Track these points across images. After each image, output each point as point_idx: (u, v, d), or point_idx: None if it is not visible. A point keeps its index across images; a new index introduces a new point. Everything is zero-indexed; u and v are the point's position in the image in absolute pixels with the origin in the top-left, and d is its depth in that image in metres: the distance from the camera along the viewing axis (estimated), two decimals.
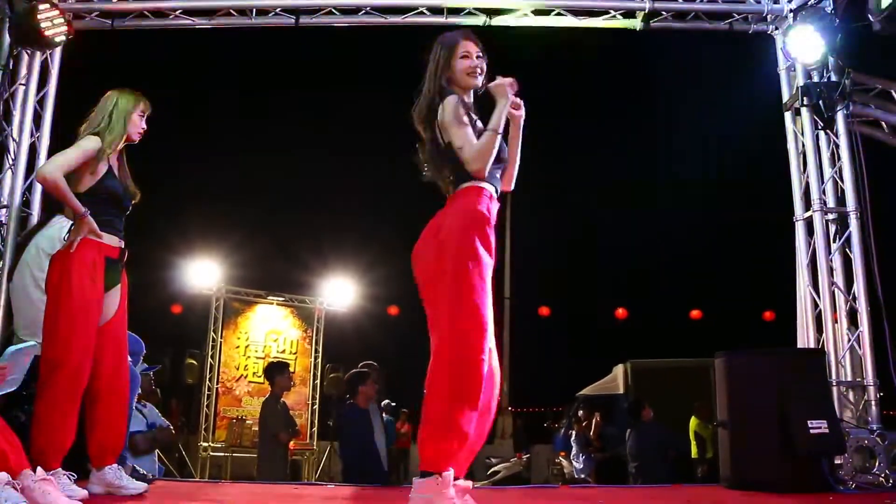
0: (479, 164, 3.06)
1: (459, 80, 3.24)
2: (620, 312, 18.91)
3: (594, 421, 11.65)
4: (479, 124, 3.19)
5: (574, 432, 12.04)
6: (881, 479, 4.85)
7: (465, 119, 3.12)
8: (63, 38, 5.69)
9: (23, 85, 5.87)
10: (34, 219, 5.74)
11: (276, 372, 8.01)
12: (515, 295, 14.89)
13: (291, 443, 11.39)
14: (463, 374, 2.91)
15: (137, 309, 3.97)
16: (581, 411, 12.37)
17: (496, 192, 3.22)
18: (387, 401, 11.50)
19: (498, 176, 3.25)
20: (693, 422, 10.99)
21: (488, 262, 3.06)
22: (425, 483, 2.84)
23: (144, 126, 3.84)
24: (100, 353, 3.56)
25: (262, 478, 7.34)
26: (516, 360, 16.30)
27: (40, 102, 5.98)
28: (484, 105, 3.25)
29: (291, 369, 12.07)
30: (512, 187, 3.42)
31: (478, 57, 3.26)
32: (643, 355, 14.29)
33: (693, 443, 10.69)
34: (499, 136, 3.10)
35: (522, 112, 3.31)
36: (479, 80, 3.25)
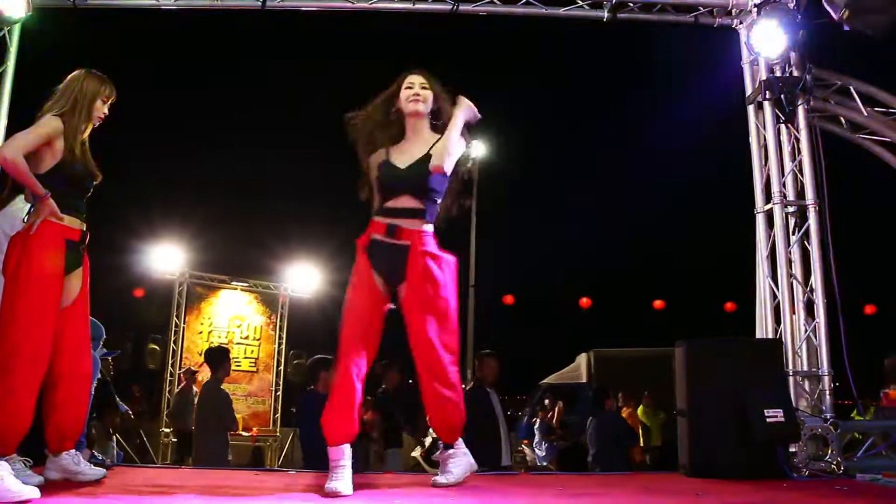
0: None
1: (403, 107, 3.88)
2: (584, 302, 19.07)
3: (557, 409, 11.78)
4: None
5: (537, 420, 12.17)
6: (833, 466, 4.96)
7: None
8: (21, 14, 5.55)
9: None
10: None
11: (223, 357, 7.81)
12: (479, 283, 14.92)
13: (255, 429, 11.36)
14: None
15: (99, 293, 3.91)
16: (546, 400, 12.50)
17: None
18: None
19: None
20: (640, 410, 11.16)
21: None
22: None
23: (106, 111, 3.78)
24: (60, 337, 3.50)
25: (202, 465, 7.19)
26: (480, 349, 16.32)
27: None
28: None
29: (255, 355, 12.05)
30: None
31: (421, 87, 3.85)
32: (606, 344, 14.47)
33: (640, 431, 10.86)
34: None
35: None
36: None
